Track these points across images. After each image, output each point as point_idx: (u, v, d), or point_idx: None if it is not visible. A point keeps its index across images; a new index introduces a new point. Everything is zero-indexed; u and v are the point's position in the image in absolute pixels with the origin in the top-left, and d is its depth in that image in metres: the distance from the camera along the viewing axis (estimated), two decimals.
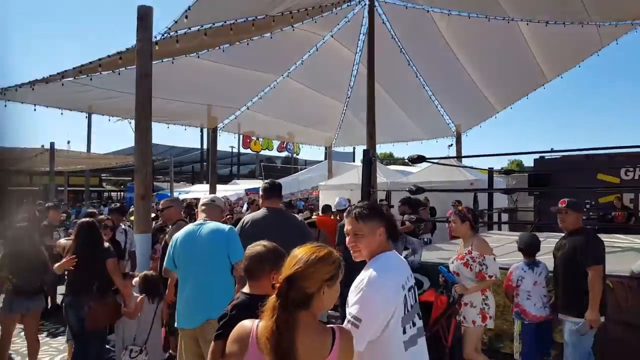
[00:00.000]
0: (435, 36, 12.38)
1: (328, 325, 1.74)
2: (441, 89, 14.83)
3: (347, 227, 2.09)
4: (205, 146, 33.16)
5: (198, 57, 10.65)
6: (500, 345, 4.69)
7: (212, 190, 14.91)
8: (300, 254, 1.72)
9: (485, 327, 3.81)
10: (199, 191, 21.64)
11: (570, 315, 3.43)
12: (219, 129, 15.77)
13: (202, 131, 32.29)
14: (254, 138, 29.36)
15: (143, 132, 6.17)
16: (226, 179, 33.37)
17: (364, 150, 5.79)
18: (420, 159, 5.70)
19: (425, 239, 7.62)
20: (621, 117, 68.27)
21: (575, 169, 9.77)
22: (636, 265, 4.17)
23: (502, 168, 11.61)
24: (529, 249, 3.94)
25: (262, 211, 3.94)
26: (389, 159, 33.65)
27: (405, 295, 1.91)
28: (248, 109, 14.98)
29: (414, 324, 1.94)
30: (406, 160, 5.63)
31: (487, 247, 3.77)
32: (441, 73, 13.96)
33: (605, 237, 7.58)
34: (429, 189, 6.39)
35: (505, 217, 12.12)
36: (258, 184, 19.17)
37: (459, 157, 14.63)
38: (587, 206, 9.96)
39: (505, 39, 12.11)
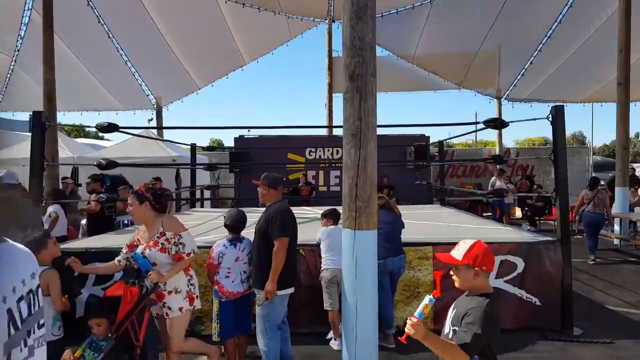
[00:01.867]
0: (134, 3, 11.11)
1: None
2: (141, 59, 13.61)
3: None
4: None
5: None
6: (201, 328, 4.53)
7: None
8: None
9: (194, 309, 3.41)
10: None
11: (260, 288, 3.41)
12: None
13: None
14: None
15: None
16: None
17: (34, 113, 4.37)
18: (111, 127, 4.76)
19: (126, 221, 6.69)
20: (312, 106, 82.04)
21: (270, 147, 10.60)
22: (319, 233, 4.64)
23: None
24: (234, 225, 3.74)
25: None
26: (79, 132, 29.16)
27: (11, 309, 1.20)
28: None
29: (25, 344, 1.25)
30: (95, 129, 4.54)
31: (179, 223, 3.31)
32: (140, 41, 12.81)
33: (296, 210, 8.67)
34: (122, 164, 5.49)
35: (208, 194, 12.23)
36: None
37: (159, 127, 13.85)
38: None
39: (206, 17, 12.05)
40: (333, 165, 11.29)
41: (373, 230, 3.41)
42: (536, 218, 11.81)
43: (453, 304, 2.18)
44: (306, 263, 4.63)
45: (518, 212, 12.79)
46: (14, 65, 13.03)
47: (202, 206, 10.80)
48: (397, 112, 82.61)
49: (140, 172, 9.54)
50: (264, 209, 3.70)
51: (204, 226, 6.23)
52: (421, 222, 6.51)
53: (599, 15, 11.75)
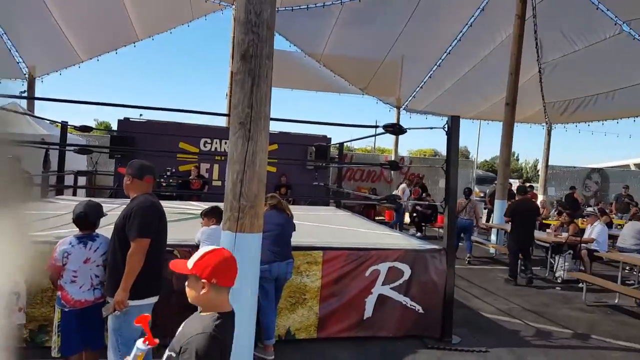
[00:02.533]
0: None
1: None
2: (11, 17, 11.63)
3: None
4: None
5: None
6: (45, 338, 3.81)
7: None
8: None
9: (16, 324, 2.71)
10: None
11: (112, 296, 2.84)
12: None
13: None
14: None
15: None
16: None
17: None
18: None
19: None
20: (213, 96, 77.48)
21: (158, 134, 9.65)
22: (198, 233, 4.14)
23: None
24: (83, 218, 3.04)
25: None
26: None
27: None
28: None
29: None
30: None
31: None
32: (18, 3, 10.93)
33: (182, 205, 7.97)
34: None
35: (83, 181, 10.82)
36: None
37: (30, 98, 12.00)
38: (169, 172, 10.14)
39: None
40: None
41: (257, 233, 3.01)
42: (422, 224, 12.36)
43: (185, 321, 1.87)
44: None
45: (407, 218, 13.34)
46: None
47: (74, 194, 9.49)
48: (300, 110, 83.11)
49: None
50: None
51: (64, 218, 5.31)
52: (314, 224, 6.29)
53: (494, 37, 12.66)
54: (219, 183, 10.75)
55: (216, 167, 11.02)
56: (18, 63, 13.09)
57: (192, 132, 10.42)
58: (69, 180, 9.60)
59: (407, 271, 4.63)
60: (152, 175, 3.09)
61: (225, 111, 13.57)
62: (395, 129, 4.89)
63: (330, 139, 11.46)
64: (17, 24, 11.68)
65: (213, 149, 10.59)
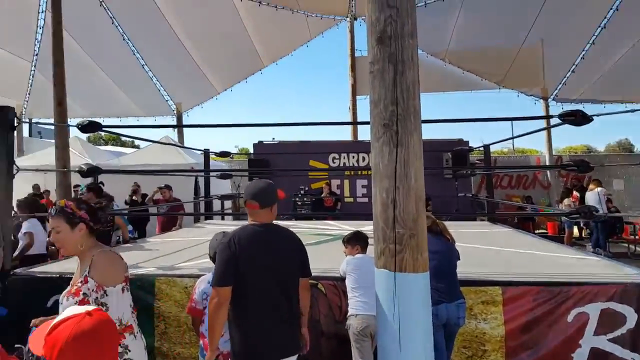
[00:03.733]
0: (148, 2, 10.59)
1: None
2: (158, 62, 13.08)
3: None
4: None
5: None
6: None
7: None
8: None
9: None
10: None
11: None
12: None
13: None
14: None
15: None
16: None
17: (2, 108, 3.55)
18: (93, 126, 3.96)
19: (119, 238, 5.94)
20: (335, 111, 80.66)
21: (290, 153, 9.85)
22: (342, 264, 3.48)
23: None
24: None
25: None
26: (117, 142, 28.91)
27: None
28: None
29: None
30: (76, 127, 3.72)
31: (113, 269, 2.15)
32: (158, 45, 12.30)
33: (319, 225, 7.68)
34: (109, 170, 4.67)
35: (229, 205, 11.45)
36: None
37: (176, 125, 13.19)
38: (302, 191, 10.21)
39: (223, 17, 11.44)
40: (359, 173, 10.35)
41: (423, 273, 2.26)
42: (607, 238, 9.35)
43: None
44: (327, 303, 3.38)
45: (575, 230, 11.02)
46: (34, 71, 12.71)
47: (222, 218, 9.99)
48: (427, 116, 79.91)
49: (155, 181, 8.89)
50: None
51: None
52: (475, 246, 4.89)
53: None
54: (351, 200, 10.47)
55: (346, 182, 10.76)
56: (167, 101, 14.64)
57: (320, 148, 10.43)
58: (216, 205, 10.16)
59: (630, 316, 3.26)
60: (261, 200, 2.47)
61: (349, 127, 13.37)
62: (578, 118, 3.69)
63: (467, 142, 10.36)
64: (163, 65, 13.05)
65: (341, 164, 10.40)
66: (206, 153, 8.86)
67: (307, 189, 10.37)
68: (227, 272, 2.29)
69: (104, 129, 4.12)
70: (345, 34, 13.36)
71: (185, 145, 13.27)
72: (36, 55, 12.20)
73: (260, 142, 11.01)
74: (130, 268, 3.74)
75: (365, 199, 10.22)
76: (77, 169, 4.23)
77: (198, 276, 3.08)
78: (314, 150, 10.28)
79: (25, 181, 10.42)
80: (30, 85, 13.50)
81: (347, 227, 6.60)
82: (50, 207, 2.24)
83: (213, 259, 2.70)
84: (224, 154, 8.69)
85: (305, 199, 10.06)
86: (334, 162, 10.43)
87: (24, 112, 14.85)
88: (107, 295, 2.08)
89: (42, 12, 10.93)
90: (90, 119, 4.07)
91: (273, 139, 10.96)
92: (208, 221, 9.12)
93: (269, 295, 2.36)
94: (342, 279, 3.36)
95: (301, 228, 6.41)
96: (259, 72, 13.80)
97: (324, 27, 13.13)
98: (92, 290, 2.08)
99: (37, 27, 11.34)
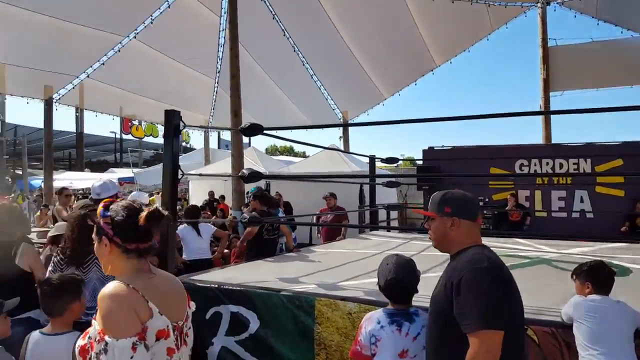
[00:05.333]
0: (317, 11, 10.58)
1: None
2: (325, 71, 13.14)
3: None
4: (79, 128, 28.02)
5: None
6: None
7: (47, 176, 12.38)
8: None
9: None
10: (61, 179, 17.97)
11: None
12: (54, 100, 12.48)
13: (77, 111, 27.13)
14: (135, 122, 25.10)
15: None
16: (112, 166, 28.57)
17: (166, 113, 3.45)
18: (254, 128, 3.63)
19: (282, 245, 5.68)
20: (508, 108, 73.82)
21: (466, 158, 8.59)
22: (567, 305, 2.36)
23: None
24: (394, 287, 1.95)
25: None
26: (290, 152, 31.26)
27: None
28: (88, 76, 11.86)
29: None
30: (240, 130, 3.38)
31: (118, 310, 1.37)
32: (324, 53, 12.30)
33: (506, 244, 6.27)
34: (268, 176, 4.36)
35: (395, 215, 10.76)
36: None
37: (305, 127, 13.00)
38: (482, 203, 8.79)
39: (391, 14, 10.79)
40: (554, 182, 8.52)
41: None
42: None
43: None
44: (542, 356, 2.26)
45: None
46: (217, 87, 14.00)
47: (388, 230, 9.30)
48: None
49: (322, 188, 8.69)
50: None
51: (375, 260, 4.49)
52: None
53: None
54: (544, 214, 8.67)
55: (537, 193, 8.95)
56: (333, 110, 14.67)
57: (504, 153, 8.88)
58: (381, 215, 9.53)
59: None
60: (480, 213, 1.84)
61: (539, 124, 11.38)
62: None
63: None
64: (330, 74, 13.05)
65: (532, 172, 8.68)
66: (372, 159, 8.27)
67: (487, 200, 8.93)
68: (502, 311, 1.56)
69: (264, 132, 3.77)
70: (534, 23, 11.48)
71: (352, 151, 13.09)
72: (218, 72, 13.37)
73: (431, 148, 9.98)
74: (290, 282, 3.15)
75: (564, 214, 8.33)
76: (239, 174, 3.98)
77: (364, 301, 2.62)
78: (496, 155, 8.79)
79: (208, 186, 11.35)
80: (215, 100, 14.91)
81: (545, 247, 5.30)
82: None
83: (383, 290, 2.07)
84: (390, 160, 8.00)
85: (485, 211, 8.67)
86: (521, 169, 8.79)
87: (210, 124, 16.59)
88: (106, 351, 1.33)
89: (223, 29, 11.85)
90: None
91: (442, 146, 9.82)
92: (374, 232, 8.52)
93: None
94: (565, 326, 2.28)
95: None
96: (430, 73, 12.78)
97: (508, 17, 11.50)
98: (95, 339, 1.38)
99: (218, 45, 12.36)
